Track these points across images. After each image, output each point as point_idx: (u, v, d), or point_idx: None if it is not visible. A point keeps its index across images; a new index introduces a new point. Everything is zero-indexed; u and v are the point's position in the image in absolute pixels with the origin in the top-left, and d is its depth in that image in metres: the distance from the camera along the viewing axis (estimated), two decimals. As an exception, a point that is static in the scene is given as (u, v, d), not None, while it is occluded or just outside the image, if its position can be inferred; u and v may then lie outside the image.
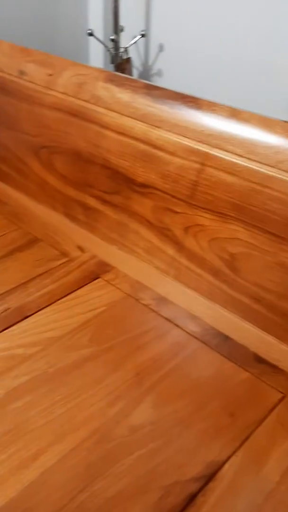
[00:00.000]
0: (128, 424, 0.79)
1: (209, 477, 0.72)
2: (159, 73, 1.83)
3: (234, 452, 0.75)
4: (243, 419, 0.81)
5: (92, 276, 1.10)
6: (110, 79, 1.01)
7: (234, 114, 0.82)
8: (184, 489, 0.70)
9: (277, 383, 0.87)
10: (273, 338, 0.89)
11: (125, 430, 0.78)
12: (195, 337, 0.96)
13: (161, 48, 1.79)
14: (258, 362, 0.92)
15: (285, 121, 0.77)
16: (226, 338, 0.96)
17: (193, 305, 1.00)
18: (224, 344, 0.95)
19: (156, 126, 0.92)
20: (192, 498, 0.69)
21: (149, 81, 1.75)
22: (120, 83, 0.99)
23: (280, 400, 0.84)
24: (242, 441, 0.77)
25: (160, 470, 0.73)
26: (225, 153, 0.82)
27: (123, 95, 0.97)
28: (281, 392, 0.85)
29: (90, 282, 1.09)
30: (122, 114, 0.97)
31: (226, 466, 0.73)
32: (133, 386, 0.85)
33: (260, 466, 0.73)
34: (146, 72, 1.87)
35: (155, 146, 0.93)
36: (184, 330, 0.98)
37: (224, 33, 1.53)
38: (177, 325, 0.99)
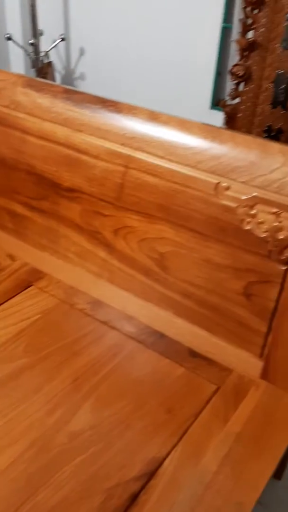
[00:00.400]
0: (68, 431, 0.79)
1: (150, 474, 0.73)
2: (82, 77, 1.83)
3: (173, 448, 0.77)
4: (180, 414, 0.83)
5: (24, 285, 1.08)
6: (29, 84, 1.00)
7: (153, 117, 0.83)
8: (126, 489, 0.71)
9: (211, 376, 0.90)
10: (205, 332, 0.92)
11: (65, 438, 0.78)
12: (132, 338, 0.97)
13: (82, 51, 1.79)
14: (193, 356, 0.94)
15: (202, 123, 0.80)
16: (162, 335, 0.98)
17: (128, 305, 1.01)
18: (159, 342, 0.97)
19: (78, 130, 0.92)
20: (134, 497, 0.70)
21: (72, 84, 1.75)
22: (39, 88, 0.98)
23: (215, 392, 0.87)
24: (180, 436, 0.79)
25: (102, 473, 0.73)
26: (147, 155, 0.84)
27: (43, 100, 0.97)
28: (215, 384, 0.88)
29: (23, 290, 1.07)
30: (44, 119, 0.97)
31: (166, 462, 0.75)
32: (71, 393, 0.85)
33: (198, 458, 0.75)
34: (68, 76, 1.86)
35: (79, 150, 0.93)
36: (120, 332, 0.98)
37: (144, 34, 1.56)
38: (113, 327, 0.99)
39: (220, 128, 0.78)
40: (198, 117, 1.51)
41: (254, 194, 0.76)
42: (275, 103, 1.20)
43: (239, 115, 1.25)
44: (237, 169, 0.76)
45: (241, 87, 1.24)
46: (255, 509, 0.96)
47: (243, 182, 0.76)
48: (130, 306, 1.01)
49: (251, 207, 0.76)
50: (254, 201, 0.76)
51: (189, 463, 0.75)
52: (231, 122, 1.28)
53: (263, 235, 0.77)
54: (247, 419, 0.81)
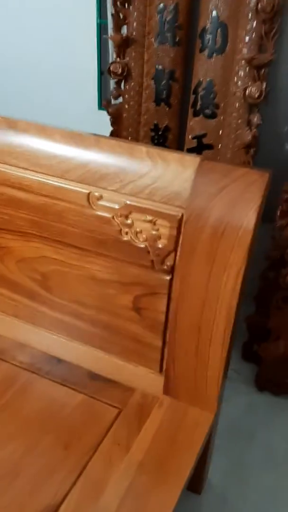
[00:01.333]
0: None
1: (45, 526, 0.65)
2: None
3: (70, 488, 0.69)
4: (79, 448, 0.75)
5: None
6: None
7: (11, 125, 0.75)
8: None
9: (113, 398, 0.84)
10: (102, 353, 0.85)
11: None
12: (24, 368, 0.88)
13: None
14: (93, 380, 0.87)
15: (65, 129, 0.73)
16: (59, 361, 0.90)
17: (19, 334, 0.92)
18: (57, 369, 0.89)
19: None
20: None
21: None
22: None
23: (116, 417, 0.80)
24: (78, 474, 0.71)
25: (-11, 535, 0.64)
26: (10, 167, 0.75)
27: None
28: (117, 408, 0.82)
29: None
30: None
31: (63, 507, 0.67)
32: None
33: (98, 494, 0.68)
34: None
35: None
36: (11, 363, 0.89)
37: (18, 40, 1.46)
38: (3, 360, 0.90)
39: (83, 133, 0.72)
40: (87, 120, 1.44)
41: (127, 202, 0.69)
42: (158, 100, 1.16)
43: (124, 115, 1.20)
44: (106, 177, 0.70)
45: (123, 85, 1.18)
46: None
47: (114, 190, 0.70)
48: (21, 333, 0.92)
49: (126, 216, 0.70)
50: (128, 210, 0.70)
51: (89, 502, 0.68)
52: (117, 123, 1.22)
53: (142, 245, 0.71)
54: (150, 443, 0.75)
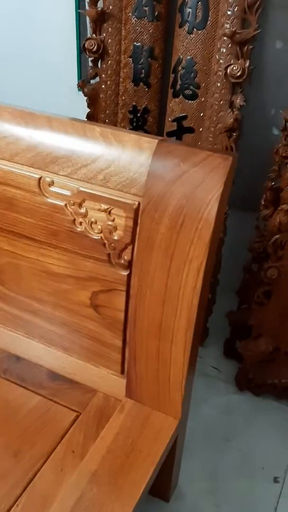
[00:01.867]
0: None
1: None
2: None
3: (14, 502, 0.63)
4: (29, 456, 0.69)
5: None
6: None
7: None
8: None
9: (73, 401, 0.78)
10: (61, 351, 0.79)
11: None
12: (-20, 366, 0.83)
13: None
14: (53, 380, 0.81)
15: (13, 106, 0.66)
16: (18, 359, 0.84)
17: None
18: (15, 367, 0.83)
19: None
20: None
21: None
22: None
23: (74, 421, 0.75)
24: (25, 485, 0.65)
25: None
26: None
27: None
28: (76, 411, 0.76)
29: None
30: None
31: (4, 523, 0.62)
32: None
33: (45, 508, 0.63)
34: None
35: None
36: None
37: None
38: None
39: (34, 111, 0.65)
40: (67, 101, 1.37)
41: (80, 188, 0.63)
42: (136, 80, 1.08)
43: (101, 95, 1.12)
44: (58, 160, 0.63)
45: (100, 64, 1.11)
46: None
47: (66, 175, 0.63)
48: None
49: (80, 204, 0.64)
50: (81, 197, 0.63)
51: (36, 518, 0.62)
52: (94, 105, 1.14)
53: (98, 236, 0.64)
54: (106, 452, 0.69)
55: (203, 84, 1.01)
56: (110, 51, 1.07)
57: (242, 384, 1.13)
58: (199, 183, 0.56)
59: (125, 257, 0.64)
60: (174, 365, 0.69)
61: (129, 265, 0.64)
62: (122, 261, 0.64)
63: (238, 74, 0.94)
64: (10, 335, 0.83)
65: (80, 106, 1.19)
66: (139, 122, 1.12)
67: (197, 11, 0.95)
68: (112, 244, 0.64)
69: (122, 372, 0.75)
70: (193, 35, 0.97)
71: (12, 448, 0.70)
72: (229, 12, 0.92)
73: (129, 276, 0.65)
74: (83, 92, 1.12)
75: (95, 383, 0.79)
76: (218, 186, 0.56)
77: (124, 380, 0.76)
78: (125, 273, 0.65)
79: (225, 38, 0.94)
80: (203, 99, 1.02)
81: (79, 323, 0.74)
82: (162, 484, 0.88)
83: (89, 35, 1.09)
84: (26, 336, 0.82)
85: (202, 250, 0.58)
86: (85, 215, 0.64)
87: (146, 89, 1.08)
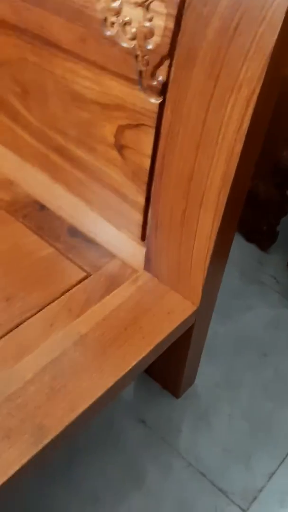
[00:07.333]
0: None
1: None
2: None
3: (-8, 343, 0.57)
4: (21, 303, 0.62)
5: None
6: None
7: None
8: None
9: (86, 261, 0.68)
10: (83, 203, 0.69)
11: None
12: (1, 207, 0.75)
13: None
14: (72, 236, 0.71)
15: None
16: (42, 207, 0.75)
17: (4, 164, 0.77)
18: (36, 215, 0.74)
19: None
20: None
21: None
22: None
23: (81, 281, 0.65)
24: (7, 331, 0.58)
25: None
26: None
27: None
28: (86, 271, 0.67)
29: None
30: None
31: (-24, 360, 0.56)
32: None
33: (18, 358, 0.55)
34: None
35: None
36: (-11, 198, 0.76)
37: None
38: (-18, 192, 0.77)
39: None
40: None
41: (116, -29, 0.47)
42: None
43: None
44: None
45: None
46: (136, 427, 0.79)
47: None
48: (5, 164, 0.77)
49: (114, -5, 0.48)
50: (116, -15, 0.47)
51: (5, 363, 0.55)
52: None
53: (130, 45, 0.49)
54: (103, 318, 0.60)
55: None
56: None
57: (298, 300, 0.97)
58: None
59: (159, 77, 0.48)
60: (199, 238, 0.55)
61: (162, 91, 0.49)
62: (155, 83, 0.49)
63: None
64: (36, 178, 0.74)
65: None
66: None
67: None
68: (146, 57, 0.48)
69: (143, 238, 0.63)
70: None
71: (7, 291, 0.63)
72: None
73: (161, 107, 0.50)
74: None
75: (115, 247, 0.68)
76: None
77: (145, 249, 0.64)
78: (156, 101, 0.50)
79: None
80: None
81: (102, 169, 0.61)
82: (173, 378, 0.78)
83: None
84: (51, 179, 0.71)
85: (258, 70, 0.41)
86: (118, 12, 0.48)
87: None
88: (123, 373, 0.54)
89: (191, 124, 0.48)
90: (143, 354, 0.56)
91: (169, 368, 0.78)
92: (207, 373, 0.84)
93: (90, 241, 0.71)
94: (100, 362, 0.55)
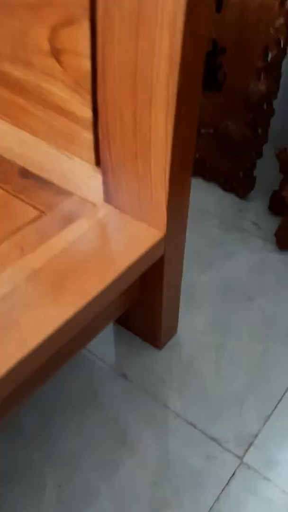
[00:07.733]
0: None
1: None
2: None
3: None
4: None
5: None
6: None
7: None
8: None
9: (39, 200, 0.62)
10: (29, 136, 0.62)
11: None
12: None
13: None
14: (23, 177, 0.65)
15: None
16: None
17: None
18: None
19: None
20: None
21: None
22: None
23: (35, 220, 0.59)
24: None
25: None
26: None
27: None
28: (39, 210, 0.60)
29: None
30: None
31: None
32: None
33: None
34: None
35: None
36: None
37: None
38: None
39: None
40: None
41: None
42: None
43: None
44: None
45: None
46: (116, 381, 0.73)
47: None
48: None
49: None
50: None
51: None
52: None
53: None
54: (60, 251, 0.53)
55: None
56: None
57: (282, 241, 0.91)
58: None
59: None
60: (154, 145, 0.49)
61: None
62: None
63: None
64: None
65: None
66: None
67: None
68: None
69: (98, 163, 0.57)
70: None
71: None
72: None
73: (93, -8, 0.44)
74: None
75: (70, 183, 0.62)
76: None
77: (101, 177, 0.58)
78: (87, -15, 0.44)
79: None
80: None
81: (43, 86, 0.55)
82: (152, 328, 0.72)
83: None
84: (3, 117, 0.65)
85: None
86: None
87: None
88: (82, 303, 0.48)
89: (127, 4, 0.42)
90: (106, 283, 0.50)
91: (146, 318, 0.72)
92: (190, 322, 0.79)
93: (43, 181, 0.65)
94: (56, 294, 0.49)
